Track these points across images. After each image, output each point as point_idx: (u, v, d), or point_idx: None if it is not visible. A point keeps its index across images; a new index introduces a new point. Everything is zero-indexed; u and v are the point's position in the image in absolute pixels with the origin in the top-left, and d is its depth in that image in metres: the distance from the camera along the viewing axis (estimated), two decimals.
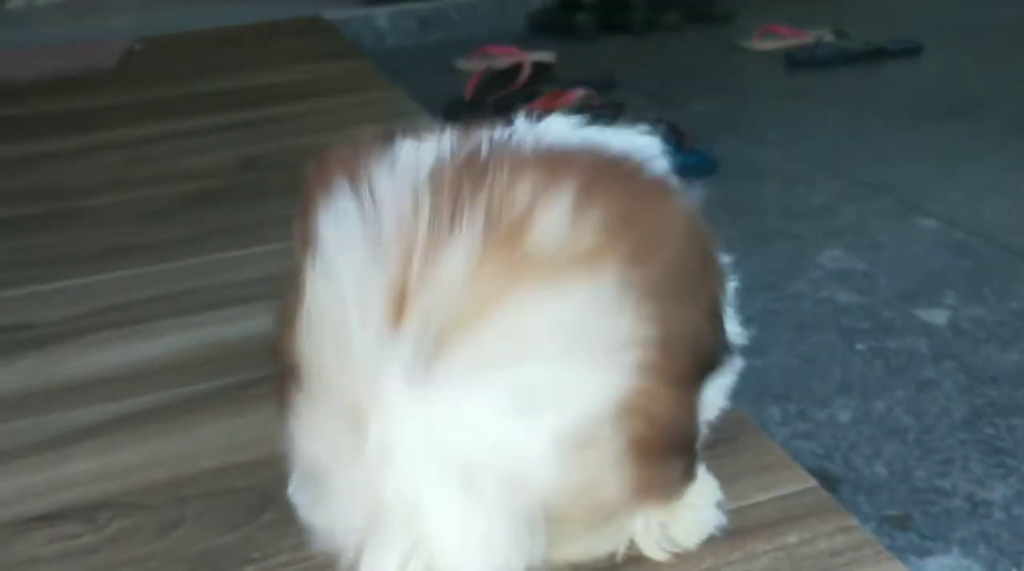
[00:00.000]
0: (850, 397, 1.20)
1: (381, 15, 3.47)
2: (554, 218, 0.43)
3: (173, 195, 1.68)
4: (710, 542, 0.72)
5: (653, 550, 0.67)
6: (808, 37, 3.04)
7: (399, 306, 0.43)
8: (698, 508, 0.71)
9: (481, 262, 0.42)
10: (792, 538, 0.73)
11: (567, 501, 0.46)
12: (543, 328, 0.42)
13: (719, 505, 0.72)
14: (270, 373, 1.00)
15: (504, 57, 2.82)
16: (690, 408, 0.55)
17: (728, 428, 0.81)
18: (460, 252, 0.42)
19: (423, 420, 0.43)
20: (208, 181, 1.75)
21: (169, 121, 2.18)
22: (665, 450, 0.52)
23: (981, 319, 1.36)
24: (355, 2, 3.59)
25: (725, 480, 0.77)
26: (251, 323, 1.15)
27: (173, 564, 0.74)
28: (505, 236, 0.43)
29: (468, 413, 0.43)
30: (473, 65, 2.84)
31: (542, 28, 3.55)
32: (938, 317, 1.37)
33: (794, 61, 2.85)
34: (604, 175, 0.47)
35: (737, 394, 1.16)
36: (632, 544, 0.67)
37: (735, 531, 0.74)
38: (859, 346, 1.31)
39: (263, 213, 1.56)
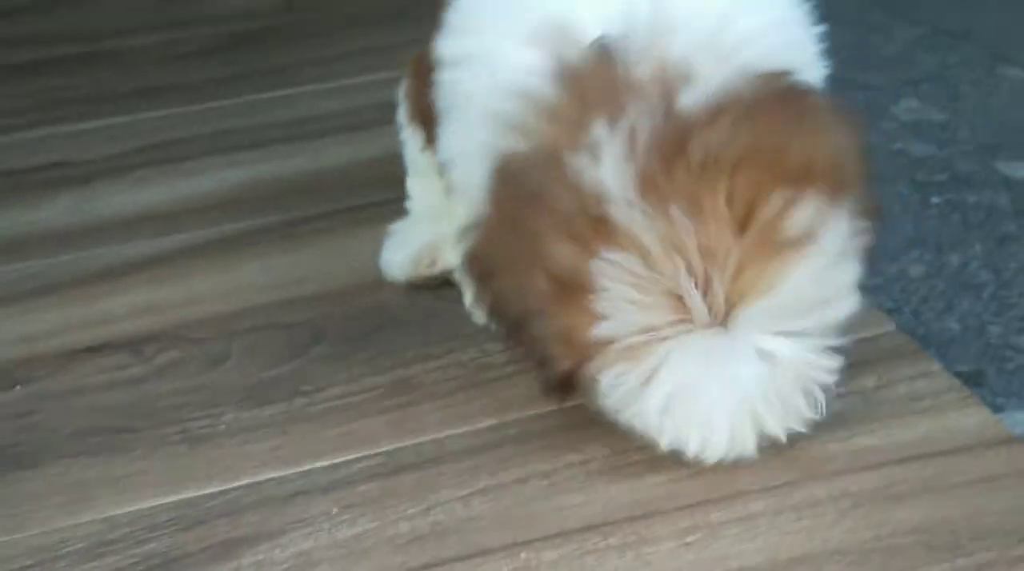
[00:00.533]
0: (923, 251, 1.13)
1: None
2: (800, 214, 0.52)
3: (209, 36, 1.61)
4: None
5: None
6: None
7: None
8: None
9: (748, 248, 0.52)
10: (870, 381, 0.69)
11: None
12: (807, 283, 0.53)
13: None
14: (324, 211, 0.98)
15: None
16: None
17: None
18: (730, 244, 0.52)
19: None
20: (248, 22, 1.67)
21: None
22: None
23: None
24: None
25: None
26: (297, 161, 1.11)
27: (222, 395, 0.72)
28: (764, 228, 0.52)
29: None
30: None
31: None
32: (1022, 171, 1.28)
33: None
34: (800, 134, 0.54)
35: None
36: None
37: None
38: (934, 199, 1.23)
39: (304, 54, 1.49)
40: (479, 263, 0.58)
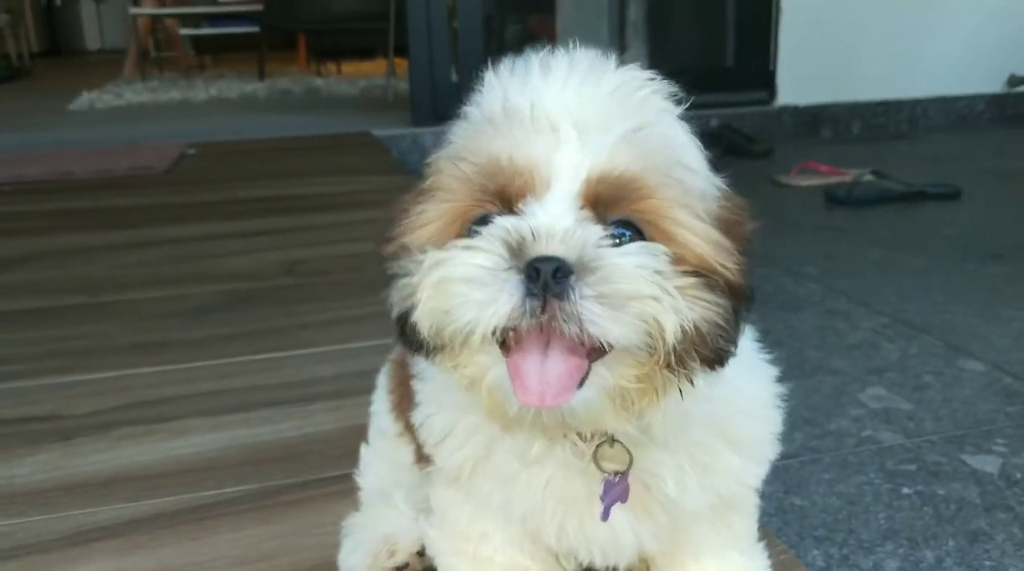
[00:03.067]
0: (897, 544, 1.13)
1: (428, 134, 3.58)
2: None
3: (212, 294, 1.70)
4: None
5: None
6: (847, 175, 3.07)
7: None
8: None
9: None
10: None
11: None
12: None
13: None
14: (302, 481, 0.98)
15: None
16: None
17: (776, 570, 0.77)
18: None
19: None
20: (248, 282, 1.76)
21: (214, 223, 2.23)
22: None
23: None
24: (403, 122, 3.71)
25: None
26: (282, 427, 1.13)
27: None
28: None
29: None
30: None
31: None
32: (988, 464, 1.31)
33: (833, 198, 2.87)
34: None
35: (778, 533, 1.10)
36: None
37: None
38: (905, 490, 1.25)
39: (301, 317, 1.56)
40: None
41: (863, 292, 2.06)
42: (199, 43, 6.78)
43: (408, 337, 0.60)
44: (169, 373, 1.33)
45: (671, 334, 0.54)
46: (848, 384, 1.59)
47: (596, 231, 0.55)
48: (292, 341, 1.43)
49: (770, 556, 0.77)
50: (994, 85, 4.17)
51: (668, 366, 0.56)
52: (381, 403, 0.85)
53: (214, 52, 7.12)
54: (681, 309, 0.54)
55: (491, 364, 0.56)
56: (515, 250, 0.54)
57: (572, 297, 0.53)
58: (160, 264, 1.92)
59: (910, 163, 3.33)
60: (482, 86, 0.62)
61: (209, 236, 2.11)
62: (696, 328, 0.55)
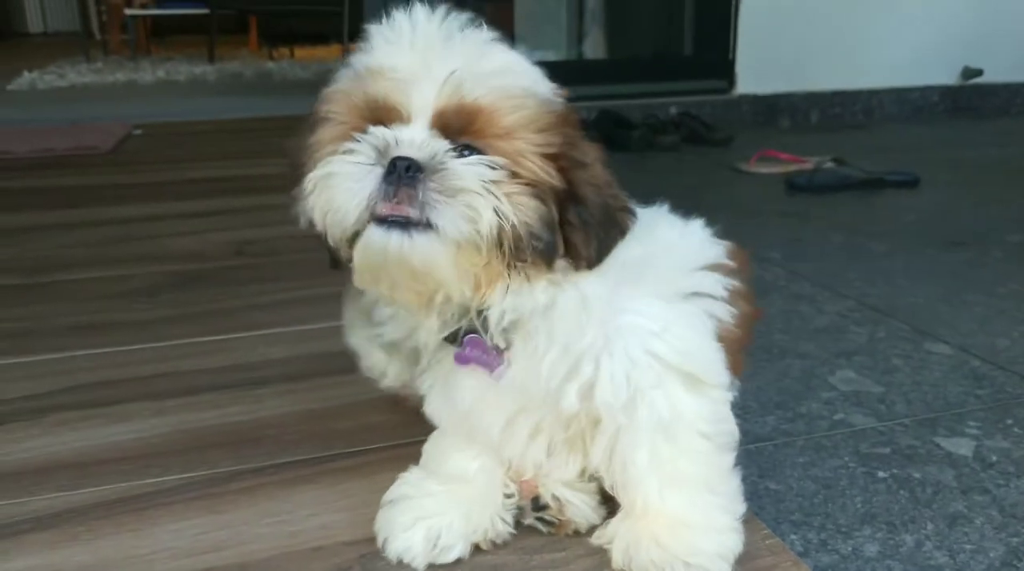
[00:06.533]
0: (876, 528, 1.10)
1: None
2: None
3: (157, 275, 1.61)
4: None
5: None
6: (807, 163, 3.06)
7: None
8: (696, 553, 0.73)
9: None
10: None
11: None
12: None
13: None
14: (252, 467, 0.91)
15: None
16: None
17: (762, 554, 0.72)
18: None
19: None
20: (195, 263, 1.67)
21: (161, 203, 2.13)
22: None
23: (1008, 452, 1.27)
24: None
25: None
26: (230, 411, 1.06)
27: None
28: None
29: None
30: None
31: None
32: (962, 447, 1.29)
33: (794, 185, 2.85)
34: None
35: (756, 516, 1.06)
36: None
37: None
38: (881, 474, 1.22)
39: (250, 298, 1.48)
40: None
41: (827, 276, 2.03)
42: (146, 25, 6.57)
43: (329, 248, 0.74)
44: (109, 356, 1.25)
45: (486, 225, 0.67)
46: (817, 367, 1.56)
47: (443, 144, 0.69)
48: (241, 323, 1.35)
49: (755, 541, 0.73)
50: (948, 77, 4.21)
51: (504, 259, 0.69)
52: None
53: (162, 35, 6.92)
54: (501, 208, 0.68)
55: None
56: (381, 152, 0.68)
57: (418, 187, 0.67)
58: (103, 245, 1.82)
59: (867, 152, 3.34)
60: (364, 42, 0.75)
61: (155, 216, 2.01)
62: (514, 227, 0.68)
